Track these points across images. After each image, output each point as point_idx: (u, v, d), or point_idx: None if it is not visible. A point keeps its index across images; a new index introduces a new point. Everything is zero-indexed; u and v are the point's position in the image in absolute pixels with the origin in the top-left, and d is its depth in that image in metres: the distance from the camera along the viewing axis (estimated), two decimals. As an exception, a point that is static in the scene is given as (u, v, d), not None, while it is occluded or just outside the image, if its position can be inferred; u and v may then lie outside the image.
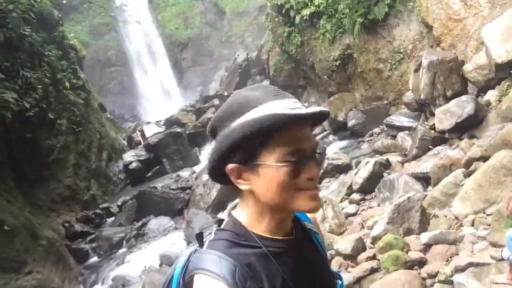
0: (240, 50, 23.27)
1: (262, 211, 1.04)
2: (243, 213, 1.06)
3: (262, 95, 1.01)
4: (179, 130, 16.57)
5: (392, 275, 4.31)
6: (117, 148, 15.93)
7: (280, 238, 1.05)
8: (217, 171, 1.04)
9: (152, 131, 17.67)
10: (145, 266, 9.44)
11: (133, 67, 23.94)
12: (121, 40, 24.20)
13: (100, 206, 12.87)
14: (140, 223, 11.53)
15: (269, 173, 0.99)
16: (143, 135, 16.83)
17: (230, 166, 1.00)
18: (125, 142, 17.05)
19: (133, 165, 15.19)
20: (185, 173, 14.50)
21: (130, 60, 23.89)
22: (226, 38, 26.29)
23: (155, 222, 11.52)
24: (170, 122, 18.77)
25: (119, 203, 12.89)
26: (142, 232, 11.24)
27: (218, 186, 11.36)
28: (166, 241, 10.59)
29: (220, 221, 1.09)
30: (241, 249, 1.01)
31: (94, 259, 10.65)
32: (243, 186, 1.01)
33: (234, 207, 1.12)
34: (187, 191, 12.55)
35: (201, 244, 1.04)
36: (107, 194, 13.92)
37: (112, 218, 12.38)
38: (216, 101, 20.58)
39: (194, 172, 14.41)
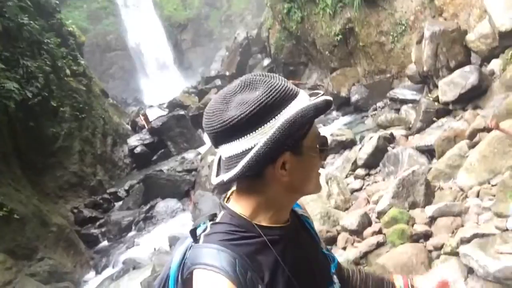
0: (240, 29, 23.00)
1: (274, 201, 1.03)
2: (244, 205, 1.04)
3: (290, 84, 1.01)
4: (182, 112, 16.55)
5: (398, 249, 4.34)
6: (121, 133, 15.98)
7: (279, 226, 1.05)
8: (261, 165, 0.96)
9: (155, 114, 17.68)
10: (154, 248, 9.56)
11: (133, 51, 23.80)
12: (120, 24, 23.94)
13: (108, 191, 12.98)
14: (148, 206, 11.65)
15: (311, 158, 1.03)
16: (146, 119, 16.84)
17: (287, 155, 0.97)
18: (129, 127, 17.08)
19: (138, 149, 15.24)
20: (190, 155, 14.55)
21: (130, 44, 23.75)
22: (225, 17, 25.96)
23: (163, 205, 11.63)
24: (173, 105, 18.73)
25: (126, 187, 13.00)
26: (150, 215, 11.37)
27: (223, 167, 11.42)
28: (174, 223, 10.70)
29: (214, 216, 1.06)
30: (240, 240, 0.99)
31: (104, 243, 10.80)
32: (284, 178, 0.99)
33: (225, 200, 1.10)
34: (193, 173, 12.61)
35: (195, 239, 1.02)
36: (113, 179, 14.03)
37: (120, 203, 12.50)
38: (218, 82, 20.47)
39: (199, 153, 14.45)
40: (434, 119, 8.20)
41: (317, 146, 1.03)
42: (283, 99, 0.96)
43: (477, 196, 5.05)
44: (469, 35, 8.41)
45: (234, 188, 1.09)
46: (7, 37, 10.37)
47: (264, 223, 1.03)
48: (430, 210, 4.71)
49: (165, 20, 25.09)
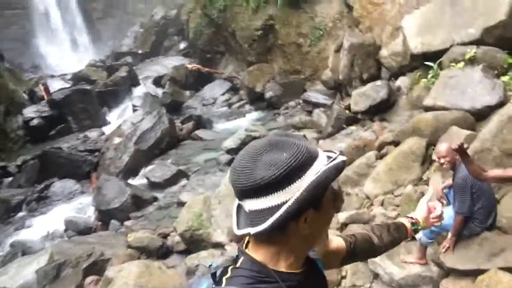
0: (157, 7, 22.12)
1: (292, 251, 1.10)
2: (264, 253, 1.08)
3: (311, 146, 1.08)
4: (88, 87, 15.50)
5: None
6: (16, 102, 14.51)
7: (297, 272, 1.11)
8: (287, 221, 1.02)
9: (57, 86, 16.34)
10: (48, 232, 8.91)
11: (36, 11, 21.62)
12: (22, -20, 21.64)
13: (-4, 165, 11.79)
14: (42, 185, 10.77)
15: (328, 212, 1.12)
16: (46, 89, 15.49)
17: (310, 212, 1.05)
18: (26, 96, 15.57)
19: (35, 121, 13.97)
20: (92, 133, 13.73)
21: (35, 5, 21.50)
22: (142, -9, 24.80)
23: (60, 185, 10.86)
24: (78, 78, 17.44)
25: (18, 163, 11.87)
26: (44, 195, 10.53)
27: (130, 150, 10.98)
28: (72, 205, 10.05)
29: (235, 261, 1.09)
30: (261, 285, 1.03)
31: (-13, 223, 9.80)
32: (305, 230, 1.06)
33: (243, 246, 1.13)
34: (96, 153, 11.92)
35: (216, 282, 1.04)
36: (4, 152, 12.75)
37: (10, 179, 11.42)
38: (129, 59, 19.54)
39: (103, 133, 13.69)
40: (344, 126, 8.69)
41: (333, 200, 1.13)
42: (307, 161, 1.03)
43: (382, 205, 5.47)
44: (382, 50, 9.02)
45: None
46: None
47: (283, 270, 1.08)
48: (342, 216, 4.99)
49: (75, -16, 23.25)
